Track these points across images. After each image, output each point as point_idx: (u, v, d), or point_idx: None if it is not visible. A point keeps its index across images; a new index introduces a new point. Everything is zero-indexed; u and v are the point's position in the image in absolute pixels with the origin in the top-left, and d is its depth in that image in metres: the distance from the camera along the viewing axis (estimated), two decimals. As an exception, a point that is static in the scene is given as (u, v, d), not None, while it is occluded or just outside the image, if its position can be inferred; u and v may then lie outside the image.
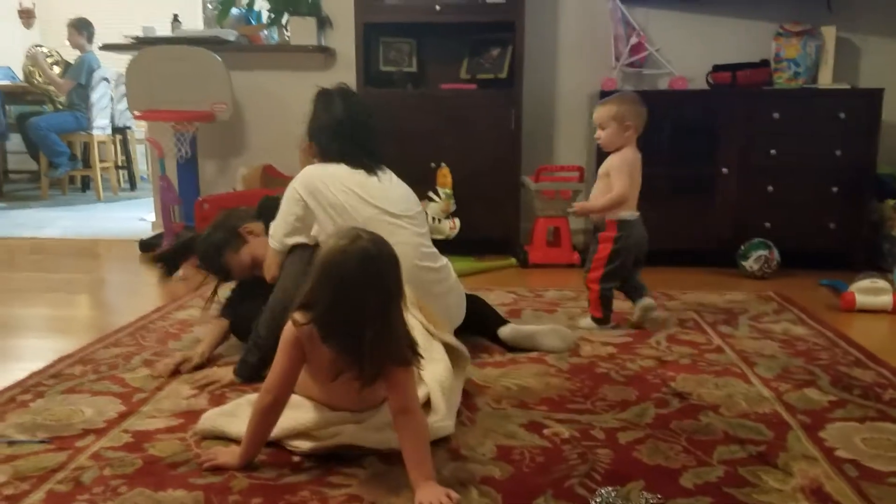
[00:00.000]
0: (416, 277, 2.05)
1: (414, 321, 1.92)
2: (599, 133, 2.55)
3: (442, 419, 1.70)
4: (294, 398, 1.64)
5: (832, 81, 3.60)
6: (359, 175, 2.18)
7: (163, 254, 2.53)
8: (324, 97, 2.35)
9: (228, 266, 2.30)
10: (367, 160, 2.22)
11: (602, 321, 2.58)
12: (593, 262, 2.60)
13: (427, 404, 1.73)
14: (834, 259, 3.52)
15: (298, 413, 1.65)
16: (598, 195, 2.60)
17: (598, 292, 2.57)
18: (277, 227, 2.18)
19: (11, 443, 1.68)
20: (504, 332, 2.35)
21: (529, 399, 1.95)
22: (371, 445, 1.61)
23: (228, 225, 2.32)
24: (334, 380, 1.51)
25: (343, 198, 2.12)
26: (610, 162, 2.56)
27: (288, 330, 1.53)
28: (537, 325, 2.46)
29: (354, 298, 1.42)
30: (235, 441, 1.63)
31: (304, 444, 1.62)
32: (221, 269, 2.31)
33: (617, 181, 2.51)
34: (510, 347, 2.34)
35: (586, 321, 2.60)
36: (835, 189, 3.47)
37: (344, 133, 2.25)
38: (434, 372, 1.82)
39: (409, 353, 1.49)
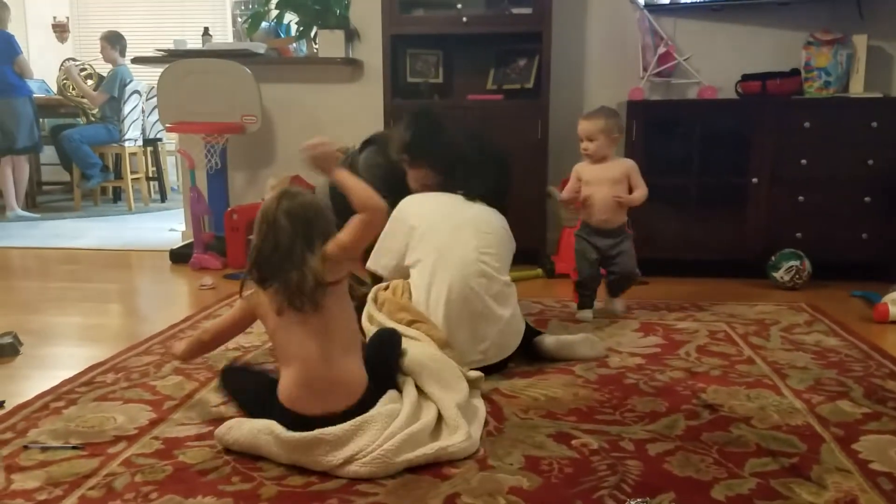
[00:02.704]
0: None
1: (423, 344, 2.00)
2: (587, 144, 2.79)
3: (465, 439, 1.68)
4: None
5: (864, 90, 3.55)
6: None
7: None
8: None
9: None
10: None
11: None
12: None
13: (440, 422, 1.74)
14: (867, 270, 3.47)
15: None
16: (611, 194, 2.79)
17: None
18: None
19: (45, 448, 1.71)
20: (548, 342, 2.33)
21: (557, 409, 1.94)
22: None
23: None
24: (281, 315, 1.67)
25: None
26: (623, 166, 2.84)
27: (243, 302, 1.81)
28: (567, 335, 2.44)
29: (279, 234, 1.65)
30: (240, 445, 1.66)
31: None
32: None
33: (642, 182, 2.81)
34: (542, 358, 2.32)
35: (621, 304, 2.94)
36: (867, 199, 3.42)
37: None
38: (451, 392, 1.83)
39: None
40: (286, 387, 1.68)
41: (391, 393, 1.78)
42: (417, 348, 1.96)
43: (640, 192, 2.81)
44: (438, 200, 2.42)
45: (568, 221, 3.67)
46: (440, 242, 2.24)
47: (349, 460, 1.57)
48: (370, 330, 2.09)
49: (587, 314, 2.86)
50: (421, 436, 1.66)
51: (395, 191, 2.37)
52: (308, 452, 1.59)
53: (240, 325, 1.89)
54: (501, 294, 2.23)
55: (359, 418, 1.65)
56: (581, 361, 2.32)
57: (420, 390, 1.83)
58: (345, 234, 1.69)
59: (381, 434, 1.62)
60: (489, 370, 2.17)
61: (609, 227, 2.81)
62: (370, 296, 2.28)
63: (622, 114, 3.64)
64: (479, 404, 1.93)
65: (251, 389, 1.82)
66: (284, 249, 1.65)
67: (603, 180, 2.80)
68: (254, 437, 1.65)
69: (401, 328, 2.06)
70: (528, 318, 2.49)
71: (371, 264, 2.39)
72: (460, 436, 1.68)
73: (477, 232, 2.27)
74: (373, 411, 1.69)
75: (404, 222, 2.32)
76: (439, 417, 1.75)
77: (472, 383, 1.98)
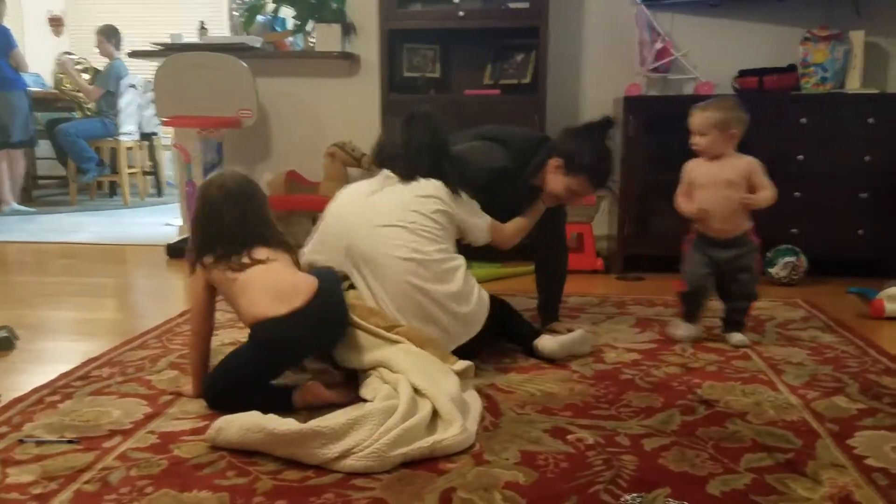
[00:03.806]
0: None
1: (408, 345, 2.03)
2: (698, 139, 2.44)
3: (461, 432, 1.69)
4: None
5: (860, 86, 3.55)
6: None
7: None
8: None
9: None
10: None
11: None
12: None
13: (436, 416, 1.75)
14: (863, 266, 3.48)
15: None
16: (729, 198, 2.42)
17: None
18: None
19: (40, 443, 1.70)
20: (548, 345, 2.29)
21: (553, 405, 1.94)
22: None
23: None
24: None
25: None
26: (742, 166, 2.44)
27: (194, 279, 1.99)
28: (565, 335, 2.39)
29: (216, 212, 1.97)
30: (237, 445, 1.65)
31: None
32: None
33: (767, 181, 2.44)
34: (543, 358, 2.30)
35: (740, 337, 2.49)
36: (864, 195, 3.42)
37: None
38: (443, 387, 1.83)
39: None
40: (249, 307, 1.87)
41: (386, 389, 1.82)
42: (402, 351, 1.98)
43: (767, 193, 2.41)
44: (356, 191, 2.32)
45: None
46: (362, 247, 2.16)
47: (345, 454, 1.57)
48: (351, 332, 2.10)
49: (684, 331, 2.51)
50: (417, 430, 1.66)
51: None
52: (304, 445, 1.59)
53: (209, 302, 2.01)
54: (442, 272, 2.14)
55: (355, 413, 1.67)
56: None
57: (413, 387, 1.83)
58: None
59: (378, 429, 1.62)
60: (473, 351, 2.18)
61: (729, 235, 2.45)
62: None
63: (617, 110, 3.66)
64: (473, 397, 1.93)
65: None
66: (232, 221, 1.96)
67: (718, 182, 2.43)
68: (243, 437, 1.64)
69: (381, 332, 2.04)
70: (525, 314, 2.50)
71: (307, 257, 2.25)
72: (455, 429, 1.69)
73: (397, 224, 2.16)
74: (370, 406, 1.71)
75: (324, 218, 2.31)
76: (434, 412, 1.75)
77: (463, 373, 2.00)
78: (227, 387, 1.87)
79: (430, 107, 2.41)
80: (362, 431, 1.62)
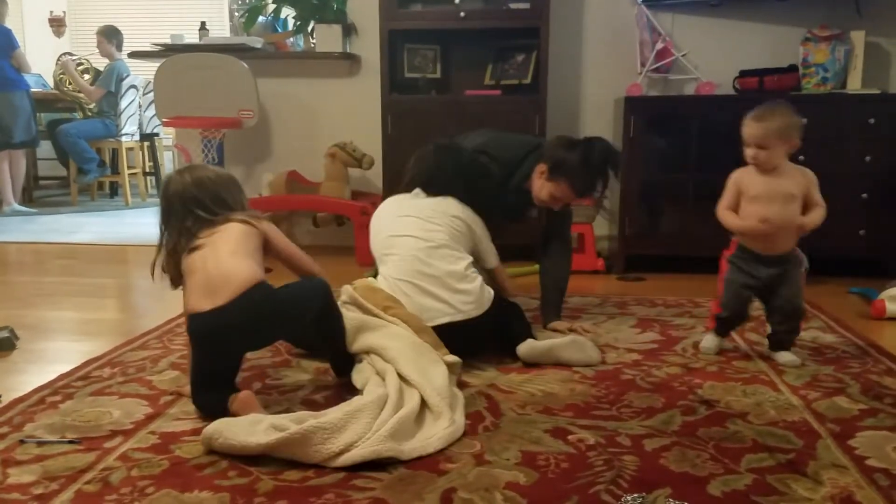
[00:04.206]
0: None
1: (401, 330, 2.07)
2: (757, 153, 2.20)
3: (450, 424, 1.73)
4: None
5: (861, 86, 3.55)
6: None
7: None
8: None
9: None
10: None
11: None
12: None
13: (424, 407, 1.80)
14: (864, 266, 3.47)
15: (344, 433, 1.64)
16: (787, 214, 2.21)
17: None
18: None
19: (41, 443, 1.70)
20: (520, 350, 2.27)
21: (554, 405, 1.94)
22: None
23: None
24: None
25: None
26: (802, 179, 2.23)
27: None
28: (556, 337, 2.39)
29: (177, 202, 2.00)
30: (238, 448, 1.62)
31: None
32: None
33: (820, 198, 2.25)
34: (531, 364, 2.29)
35: (790, 356, 2.30)
36: (865, 195, 3.42)
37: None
38: (431, 378, 1.87)
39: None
40: (188, 300, 1.88)
41: (375, 379, 1.89)
42: (394, 338, 2.03)
43: (819, 213, 2.21)
44: (394, 199, 2.56)
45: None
46: (386, 233, 2.41)
47: (348, 447, 1.59)
48: (348, 315, 2.14)
49: (711, 344, 2.39)
50: (408, 421, 1.70)
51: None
52: (307, 443, 1.59)
53: None
54: (448, 255, 2.30)
55: (349, 408, 1.70)
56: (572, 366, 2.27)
57: (401, 377, 1.88)
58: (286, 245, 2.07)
59: (374, 422, 1.66)
60: (476, 346, 2.25)
61: (778, 252, 2.24)
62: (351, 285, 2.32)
63: (618, 110, 3.66)
64: (457, 392, 1.96)
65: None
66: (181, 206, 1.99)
67: (775, 196, 2.20)
68: (242, 447, 1.62)
69: (377, 312, 2.13)
70: (527, 315, 2.49)
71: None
72: (445, 421, 1.73)
73: (417, 216, 2.39)
74: (362, 401, 1.74)
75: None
76: (422, 403, 1.79)
77: (450, 368, 2.02)
78: (192, 384, 1.90)
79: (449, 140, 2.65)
80: (360, 424, 1.64)
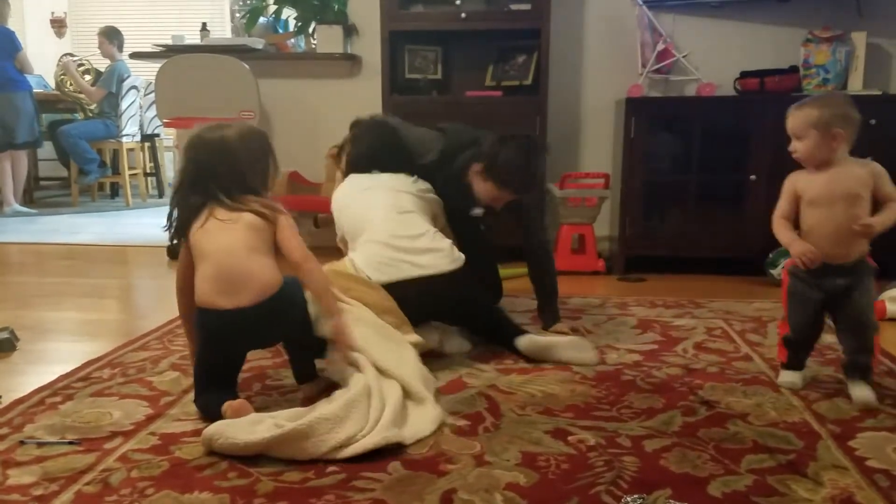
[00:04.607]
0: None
1: (363, 313, 2.10)
2: (795, 144, 1.99)
3: (434, 406, 1.84)
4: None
5: (862, 87, 3.55)
6: None
7: None
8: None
9: None
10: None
11: None
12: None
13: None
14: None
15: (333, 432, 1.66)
16: (849, 216, 1.92)
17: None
18: None
19: (41, 444, 1.70)
20: (521, 343, 2.30)
21: (554, 406, 1.94)
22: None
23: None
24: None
25: None
26: (862, 173, 1.95)
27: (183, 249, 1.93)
28: (556, 336, 2.40)
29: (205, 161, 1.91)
30: (241, 446, 1.62)
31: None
32: None
33: (894, 192, 1.96)
34: (529, 358, 2.31)
35: (866, 392, 1.97)
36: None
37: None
38: (406, 362, 1.98)
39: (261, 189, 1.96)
40: (199, 285, 1.83)
41: (350, 369, 1.93)
42: (358, 322, 2.04)
43: (893, 210, 1.93)
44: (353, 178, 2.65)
45: (565, 218, 3.67)
46: (356, 205, 2.52)
47: (350, 439, 1.63)
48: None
49: (792, 379, 2.09)
50: (400, 408, 1.79)
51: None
52: (312, 435, 1.61)
53: (188, 261, 1.93)
54: (412, 217, 2.42)
55: (347, 397, 1.75)
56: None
57: (377, 367, 1.93)
58: (288, 237, 1.91)
59: (369, 411, 1.73)
60: (447, 309, 2.35)
61: (846, 261, 1.96)
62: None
63: (619, 111, 3.66)
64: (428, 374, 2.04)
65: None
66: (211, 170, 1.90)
67: (834, 197, 1.93)
68: (244, 445, 1.62)
69: (339, 295, 2.08)
70: (524, 316, 2.50)
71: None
72: (429, 405, 1.83)
73: (384, 188, 2.52)
74: (353, 390, 1.78)
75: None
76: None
77: (415, 347, 2.11)
78: (195, 381, 1.90)
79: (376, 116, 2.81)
80: (359, 414, 1.71)
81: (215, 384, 1.85)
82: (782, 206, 2.04)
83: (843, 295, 1.97)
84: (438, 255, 2.32)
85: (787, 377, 2.09)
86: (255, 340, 1.93)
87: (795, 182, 2.02)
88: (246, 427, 1.65)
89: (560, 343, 2.30)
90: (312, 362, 2.02)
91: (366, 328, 2.04)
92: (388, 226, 2.37)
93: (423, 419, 1.78)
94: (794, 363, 2.10)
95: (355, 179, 2.63)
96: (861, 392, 1.95)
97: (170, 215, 1.94)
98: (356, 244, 2.43)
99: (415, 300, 2.22)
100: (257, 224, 1.87)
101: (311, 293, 1.92)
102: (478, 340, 2.41)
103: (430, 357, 2.23)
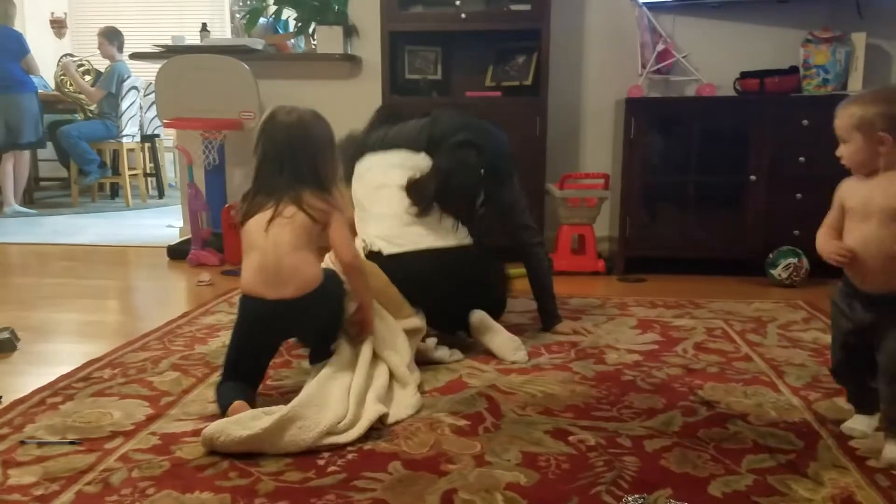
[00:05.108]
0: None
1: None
2: (841, 149, 1.73)
3: (414, 394, 1.96)
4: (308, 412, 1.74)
5: (862, 88, 3.55)
6: None
7: None
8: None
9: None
10: None
11: None
12: None
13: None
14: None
15: (320, 415, 1.73)
16: (885, 238, 1.59)
17: None
18: None
19: (41, 444, 1.70)
20: (474, 316, 2.37)
21: (555, 406, 1.94)
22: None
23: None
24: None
25: None
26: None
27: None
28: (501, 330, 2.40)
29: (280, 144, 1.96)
30: (238, 449, 1.64)
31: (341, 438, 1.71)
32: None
33: None
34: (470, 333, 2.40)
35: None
36: (865, 197, 3.41)
37: None
38: (396, 350, 2.08)
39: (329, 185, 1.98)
40: (245, 274, 1.90)
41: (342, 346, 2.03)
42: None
43: None
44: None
45: (565, 219, 3.67)
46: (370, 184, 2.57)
47: (335, 426, 1.71)
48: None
49: (851, 424, 1.76)
50: (384, 389, 1.93)
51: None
52: (303, 417, 1.69)
53: None
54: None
55: (324, 374, 1.88)
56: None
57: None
58: (339, 237, 1.97)
59: (347, 393, 1.83)
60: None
61: (882, 291, 1.62)
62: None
63: (619, 112, 3.66)
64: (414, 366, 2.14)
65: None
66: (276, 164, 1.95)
67: (869, 212, 1.63)
68: (240, 439, 1.63)
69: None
70: (523, 315, 2.50)
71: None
72: (411, 390, 1.96)
73: (396, 165, 2.55)
74: (332, 368, 1.92)
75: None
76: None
77: (414, 332, 2.21)
78: (226, 364, 1.93)
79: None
80: (339, 394, 1.82)
81: (242, 374, 1.90)
82: (831, 215, 1.77)
83: (872, 332, 1.63)
84: (449, 231, 2.42)
85: (849, 422, 1.77)
86: (292, 330, 2.05)
87: (842, 189, 1.74)
88: (245, 423, 1.67)
89: (499, 336, 2.34)
90: (329, 347, 2.07)
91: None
92: (403, 202, 2.43)
93: (403, 404, 1.91)
94: (856, 402, 1.78)
95: (381, 156, 2.63)
96: (890, 453, 1.61)
97: (248, 195, 1.98)
98: (367, 214, 2.49)
99: (424, 273, 2.31)
100: (308, 224, 1.92)
101: (352, 287, 2.03)
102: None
103: (428, 361, 2.26)
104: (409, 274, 2.29)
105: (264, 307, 1.87)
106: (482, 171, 2.49)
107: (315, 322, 1.98)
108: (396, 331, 2.15)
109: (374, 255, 2.38)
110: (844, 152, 1.71)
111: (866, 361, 1.66)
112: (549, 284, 2.65)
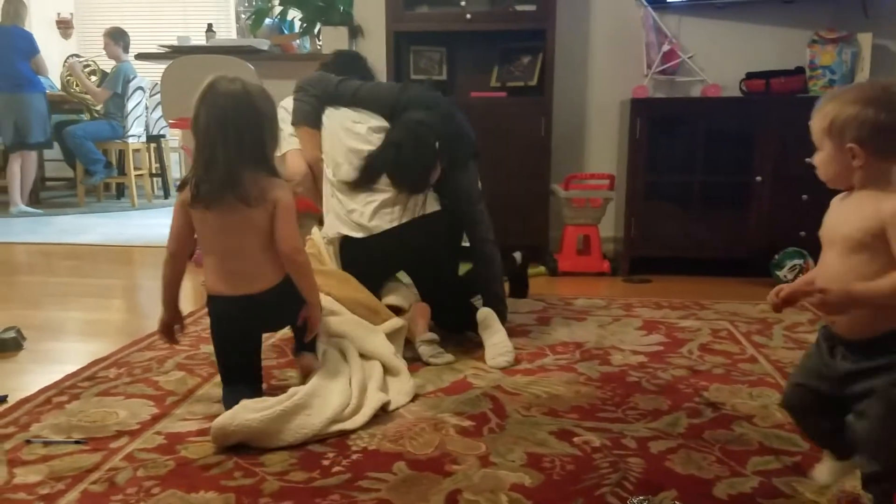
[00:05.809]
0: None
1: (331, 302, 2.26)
2: (816, 157, 1.39)
3: (408, 380, 2.05)
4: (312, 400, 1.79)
5: (867, 88, 3.54)
6: None
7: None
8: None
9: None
10: None
11: None
12: None
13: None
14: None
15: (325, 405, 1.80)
16: (843, 271, 1.32)
17: None
18: None
19: (47, 443, 1.71)
20: (480, 313, 2.40)
21: (559, 407, 1.94)
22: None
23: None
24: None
25: None
26: (873, 212, 1.29)
27: (178, 197, 1.88)
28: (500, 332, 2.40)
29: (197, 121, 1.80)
30: (251, 435, 1.68)
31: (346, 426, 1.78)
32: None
33: None
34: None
35: None
36: (870, 198, 3.40)
37: None
38: (381, 345, 2.17)
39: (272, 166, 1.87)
40: (207, 276, 1.92)
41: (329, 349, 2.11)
42: (337, 314, 2.27)
43: (888, 281, 1.24)
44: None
45: (570, 219, 3.67)
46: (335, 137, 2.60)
47: (342, 409, 1.79)
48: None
49: (817, 472, 1.51)
50: (381, 380, 2.02)
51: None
52: (307, 407, 1.73)
53: (184, 221, 1.91)
54: None
55: (326, 369, 1.96)
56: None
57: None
58: (283, 229, 1.87)
59: (348, 387, 1.90)
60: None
61: (858, 336, 1.32)
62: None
63: (624, 112, 3.65)
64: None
65: None
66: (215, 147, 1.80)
67: (832, 238, 1.38)
68: (251, 425, 1.67)
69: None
70: (528, 316, 2.50)
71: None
72: (404, 377, 2.06)
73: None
74: (331, 365, 1.99)
75: None
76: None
77: (395, 333, 2.27)
78: (221, 376, 1.96)
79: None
80: (341, 386, 1.89)
81: (236, 376, 1.91)
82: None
83: (850, 391, 1.33)
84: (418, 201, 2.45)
85: (817, 472, 1.52)
86: (265, 323, 2.02)
87: (830, 206, 1.44)
88: (255, 407, 1.71)
89: (495, 337, 2.35)
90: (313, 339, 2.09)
91: (343, 317, 2.25)
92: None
93: (401, 391, 1.99)
94: (825, 447, 1.50)
95: (350, 114, 2.60)
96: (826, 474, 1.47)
97: (190, 180, 1.84)
98: (334, 183, 2.52)
99: (405, 246, 2.43)
100: (262, 223, 1.84)
101: (297, 284, 1.91)
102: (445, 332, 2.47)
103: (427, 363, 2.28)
104: (388, 250, 2.42)
105: (230, 303, 1.88)
106: (437, 148, 2.48)
107: (288, 312, 1.99)
108: (376, 332, 2.23)
109: (349, 240, 2.46)
110: (816, 161, 1.39)
111: (812, 410, 1.44)
112: (499, 287, 2.62)
